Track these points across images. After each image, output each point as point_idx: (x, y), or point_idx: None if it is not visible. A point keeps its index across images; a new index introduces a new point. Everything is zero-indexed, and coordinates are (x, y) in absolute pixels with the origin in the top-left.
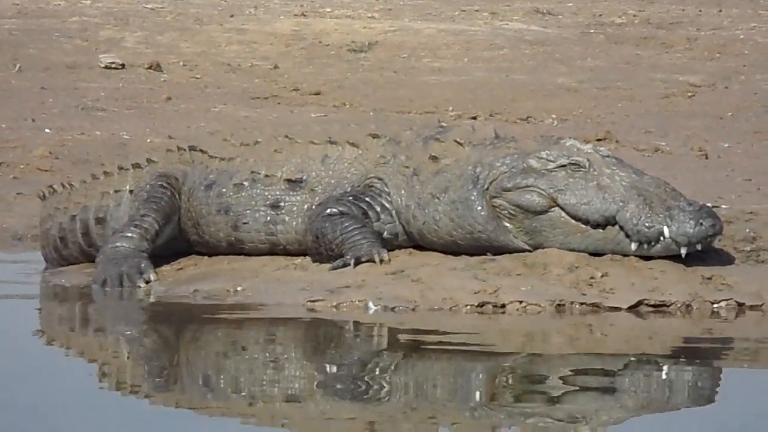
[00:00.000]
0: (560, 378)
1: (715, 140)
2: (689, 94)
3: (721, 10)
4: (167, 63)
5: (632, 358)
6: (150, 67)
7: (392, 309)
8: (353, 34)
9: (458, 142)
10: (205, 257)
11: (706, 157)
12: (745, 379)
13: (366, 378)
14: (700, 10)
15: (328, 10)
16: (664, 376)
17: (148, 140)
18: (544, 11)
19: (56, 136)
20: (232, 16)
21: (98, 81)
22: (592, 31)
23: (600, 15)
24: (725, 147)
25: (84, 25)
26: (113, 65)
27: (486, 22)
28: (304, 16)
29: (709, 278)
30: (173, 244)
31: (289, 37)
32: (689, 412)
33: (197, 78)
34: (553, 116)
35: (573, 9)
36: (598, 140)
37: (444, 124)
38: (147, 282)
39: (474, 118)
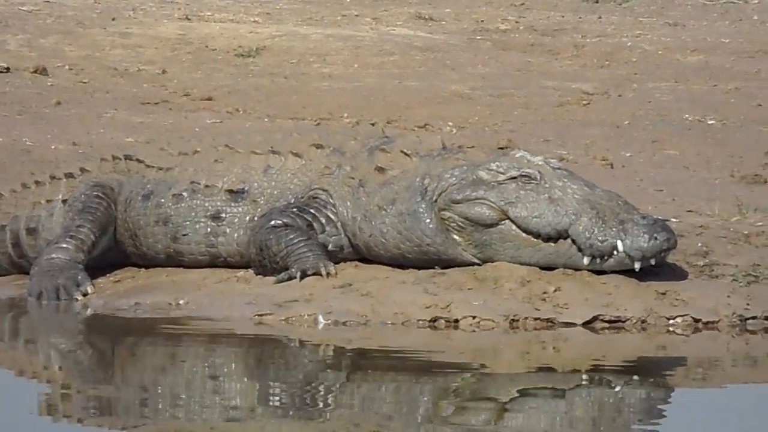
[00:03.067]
0: (513, 395)
1: (615, 149)
2: (584, 102)
3: (600, 17)
4: (53, 67)
5: (585, 377)
6: (36, 71)
7: (343, 323)
8: (239, 38)
9: (405, 153)
10: (143, 269)
11: (612, 167)
12: (696, 399)
13: (319, 394)
14: (580, 17)
15: (209, 14)
16: (615, 395)
17: (53, 147)
18: (426, 17)
19: None
20: (113, 19)
21: None
22: (478, 37)
23: (482, 21)
24: (627, 156)
25: None
26: None
27: (372, 28)
28: (188, 19)
29: (664, 293)
30: (108, 255)
31: (174, 42)
32: None
33: (84, 82)
34: (450, 124)
35: (452, 15)
36: (501, 148)
37: (388, 134)
38: (84, 295)
39: (372, 124)
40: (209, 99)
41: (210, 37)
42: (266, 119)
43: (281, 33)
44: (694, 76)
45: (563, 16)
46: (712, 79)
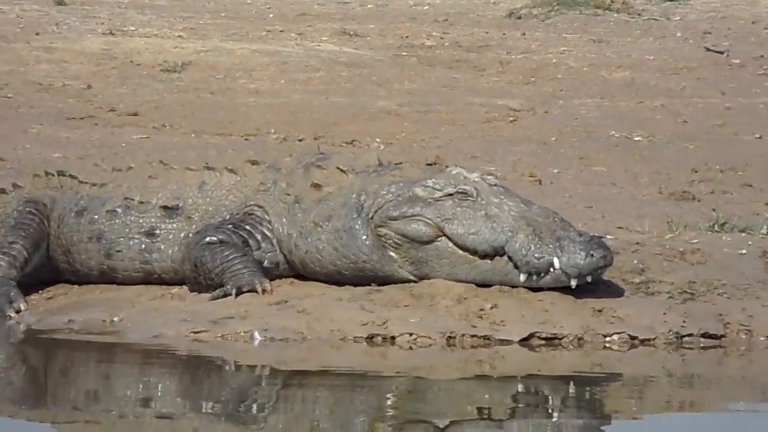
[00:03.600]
0: (447, 415)
1: (543, 166)
2: (510, 118)
3: (524, 34)
4: None
5: (521, 395)
6: None
7: (279, 340)
8: (164, 53)
9: (341, 170)
10: (76, 286)
11: (540, 183)
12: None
13: (251, 410)
14: (504, 33)
15: (132, 28)
16: (551, 414)
17: None
18: (351, 32)
19: None
20: (37, 33)
21: None
22: (404, 53)
23: (407, 37)
24: (555, 173)
25: None
26: None
27: (297, 44)
28: (113, 34)
29: (600, 311)
30: (41, 272)
31: (99, 56)
32: None
33: (9, 97)
34: (378, 140)
35: (377, 30)
36: (429, 165)
37: (323, 151)
38: (18, 311)
39: (300, 140)
40: (135, 114)
41: (135, 52)
42: (193, 135)
43: (206, 48)
44: (620, 92)
45: (487, 32)
46: (637, 96)
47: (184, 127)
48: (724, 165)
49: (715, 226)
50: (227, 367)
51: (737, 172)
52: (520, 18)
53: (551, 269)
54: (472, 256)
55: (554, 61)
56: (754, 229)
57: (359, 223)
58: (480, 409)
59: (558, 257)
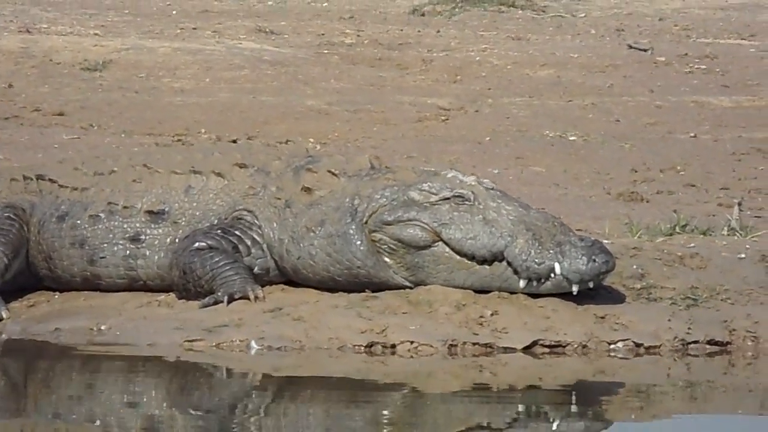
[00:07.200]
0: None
1: (481, 166)
2: (443, 117)
3: (439, 31)
4: None
5: (522, 405)
6: None
7: (277, 349)
8: (84, 52)
9: (332, 173)
10: (57, 293)
11: None
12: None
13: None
14: (419, 31)
15: (45, 26)
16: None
17: None
18: (267, 30)
19: None
20: None
21: None
22: (325, 51)
23: (322, 34)
24: (495, 173)
25: None
26: None
27: (217, 41)
28: (28, 32)
29: (603, 317)
30: (20, 278)
31: (17, 55)
32: None
33: None
34: (311, 140)
35: (290, 28)
36: (372, 168)
37: (312, 154)
38: (0, 320)
39: (234, 141)
40: (61, 114)
41: (53, 51)
42: (123, 135)
43: (126, 46)
44: (548, 91)
45: (402, 30)
46: (566, 95)
47: (112, 127)
48: (663, 165)
49: (676, 228)
50: (226, 377)
51: (678, 172)
52: (423, 15)
53: (552, 275)
54: (469, 262)
55: (477, 59)
56: (715, 231)
57: (353, 228)
58: (483, 421)
59: (559, 262)
